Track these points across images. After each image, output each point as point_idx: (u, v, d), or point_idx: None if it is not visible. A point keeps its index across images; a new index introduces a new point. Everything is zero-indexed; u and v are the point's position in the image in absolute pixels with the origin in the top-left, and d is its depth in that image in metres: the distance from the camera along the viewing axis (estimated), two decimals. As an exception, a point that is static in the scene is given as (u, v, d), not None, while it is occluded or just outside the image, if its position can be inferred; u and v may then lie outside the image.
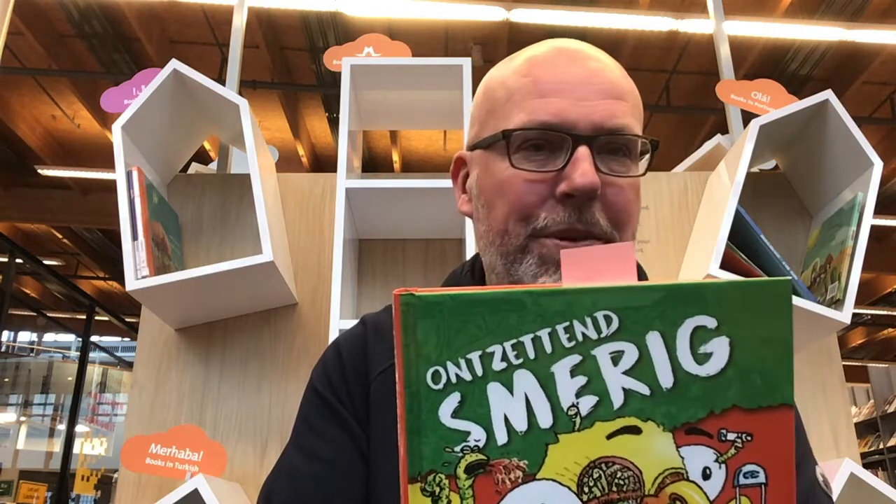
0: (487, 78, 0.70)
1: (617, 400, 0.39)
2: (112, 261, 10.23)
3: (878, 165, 1.67)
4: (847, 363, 2.49)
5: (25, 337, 13.52)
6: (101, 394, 10.53)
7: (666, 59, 6.33)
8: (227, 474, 1.64)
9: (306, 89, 6.92)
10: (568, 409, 0.39)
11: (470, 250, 1.61)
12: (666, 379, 0.39)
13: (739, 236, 1.59)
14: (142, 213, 1.58)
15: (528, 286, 0.46)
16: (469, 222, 1.27)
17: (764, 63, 6.11)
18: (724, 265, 1.53)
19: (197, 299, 1.68)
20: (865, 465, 1.78)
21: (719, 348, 0.39)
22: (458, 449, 0.38)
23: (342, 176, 1.67)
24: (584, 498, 0.39)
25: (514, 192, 0.62)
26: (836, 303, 1.59)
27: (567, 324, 0.39)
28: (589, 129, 0.61)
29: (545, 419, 0.39)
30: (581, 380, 0.39)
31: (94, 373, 10.31)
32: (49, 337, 13.50)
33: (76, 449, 7.69)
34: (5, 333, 10.06)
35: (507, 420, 0.39)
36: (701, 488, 0.39)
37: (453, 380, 0.39)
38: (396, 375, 0.39)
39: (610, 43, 5.76)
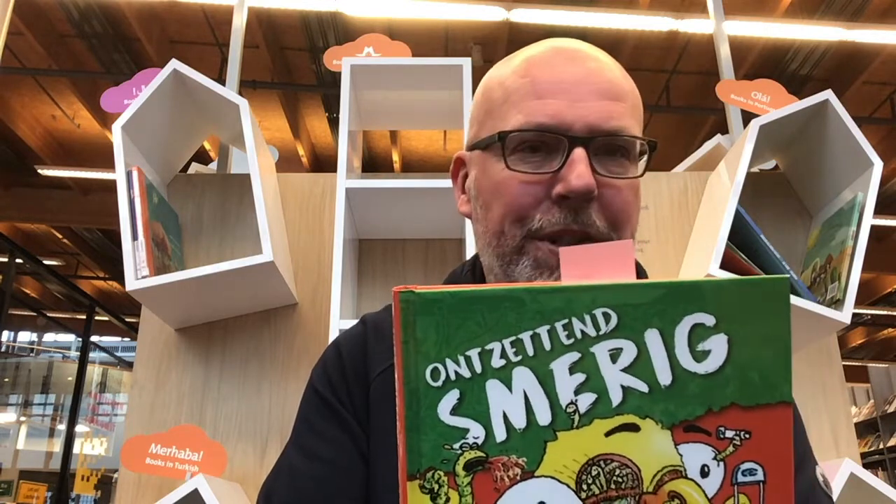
0: (486, 78, 0.70)
1: (615, 397, 0.39)
2: (112, 261, 10.22)
3: (878, 165, 1.67)
4: (847, 363, 2.48)
5: (25, 337, 13.51)
6: (101, 394, 10.52)
7: (666, 59, 6.32)
8: (227, 474, 1.64)
9: (306, 89, 6.91)
10: (566, 406, 0.39)
11: (470, 250, 1.61)
12: (664, 376, 0.39)
13: (739, 236, 1.59)
14: (142, 213, 1.58)
15: (528, 284, 0.46)
16: (469, 222, 1.27)
17: (764, 63, 6.11)
18: (724, 265, 1.53)
19: (197, 299, 1.68)
20: (865, 465, 1.78)
21: (718, 346, 0.39)
22: (456, 446, 0.38)
23: (342, 176, 1.67)
24: (583, 495, 0.38)
25: (509, 194, 0.62)
26: (836, 303, 1.59)
27: (566, 321, 0.39)
28: (585, 131, 0.61)
29: (544, 416, 0.39)
30: (580, 377, 0.39)
31: (94, 373, 10.30)
32: (49, 337, 13.49)
33: (76, 449, 7.68)
34: (5, 333, 10.06)
35: (505, 417, 0.39)
36: (699, 486, 0.39)
37: (452, 377, 0.39)
38: (396, 373, 0.39)
39: (610, 43, 5.75)
